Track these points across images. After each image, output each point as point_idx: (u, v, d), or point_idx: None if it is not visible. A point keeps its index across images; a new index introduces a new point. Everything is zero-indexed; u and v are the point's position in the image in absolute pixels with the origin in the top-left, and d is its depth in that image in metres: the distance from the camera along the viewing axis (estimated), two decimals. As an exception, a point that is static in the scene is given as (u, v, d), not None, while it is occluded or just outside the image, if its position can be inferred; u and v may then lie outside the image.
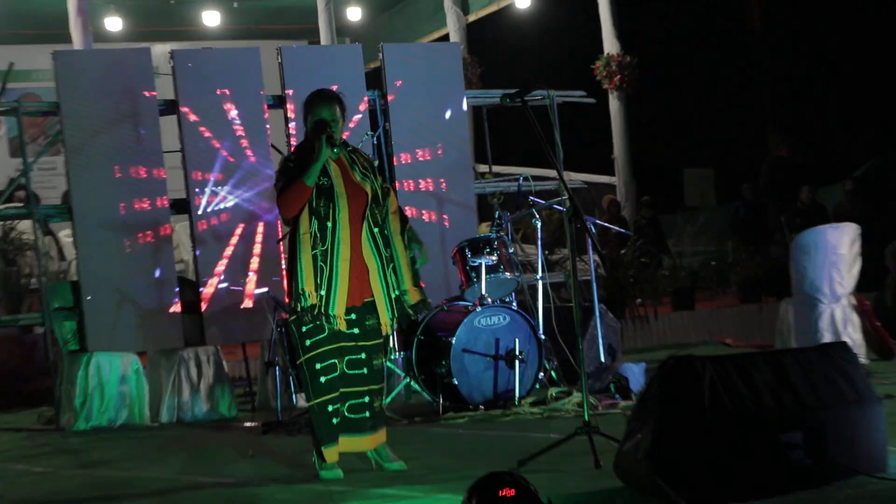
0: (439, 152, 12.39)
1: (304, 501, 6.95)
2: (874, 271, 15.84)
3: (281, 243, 11.67)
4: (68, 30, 17.74)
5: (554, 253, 15.60)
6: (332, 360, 7.57)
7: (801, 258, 12.03)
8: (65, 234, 15.69)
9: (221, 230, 11.57)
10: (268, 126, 11.88)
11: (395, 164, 12.21)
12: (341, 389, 7.60)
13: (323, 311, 7.49)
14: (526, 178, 12.45)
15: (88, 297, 11.11)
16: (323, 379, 7.56)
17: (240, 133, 11.70)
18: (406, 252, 7.80)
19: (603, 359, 11.25)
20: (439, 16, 21.19)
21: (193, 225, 11.57)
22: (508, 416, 9.99)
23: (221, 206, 11.59)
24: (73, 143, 11.23)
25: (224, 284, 11.51)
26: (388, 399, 10.71)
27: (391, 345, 10.53)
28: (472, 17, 21.23)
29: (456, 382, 10.33)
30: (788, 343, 12.00)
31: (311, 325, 7.53)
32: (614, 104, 19.74)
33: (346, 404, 7.62)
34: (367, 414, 7.69)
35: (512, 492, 5.34)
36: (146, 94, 11.48)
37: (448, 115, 12.52)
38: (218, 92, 11.67)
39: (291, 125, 11.82)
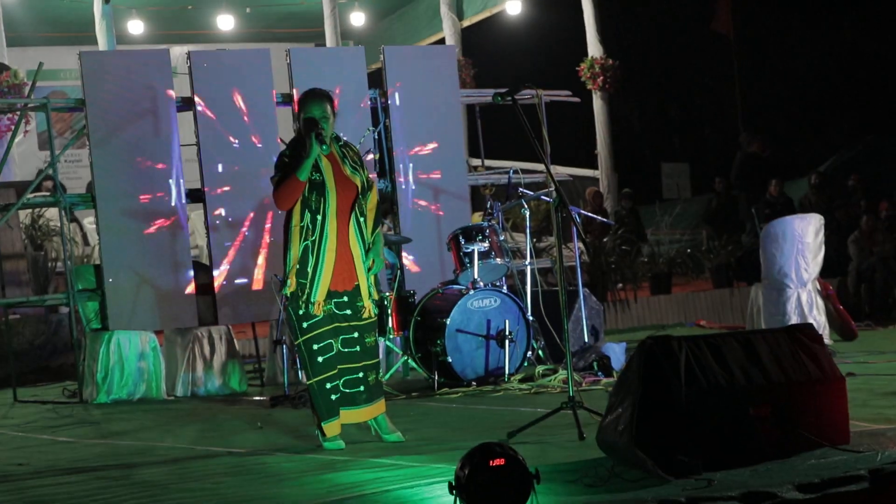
0: (435, 147, 12.34)
1: (308, 470, 6.91)
2: (837, 259, 15.89)
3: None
4: (94, 32, 17.68)
5: (541, 241, 15.56)
6: (329, 341, 7.54)
7: (770, 246, 12.01)
8: (89, 221, 15.64)
9: (233, 218, 11.53)
10: (276, 122, 11.83)
11: (394, 157, 12.16)
12: (339, 367, 7.57)
13: (304, 298, 7.47)
14: (516, 171, 12.40)
15: (110, 280, 11.07)
16: (320, 358, 7.53)
17: (251, 128, 11.64)
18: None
19: (587, 339, 11.24)
20: (436, 21, 21.13)
21: (207, 213, 11.52)
22: (499, 391, 9.97)
23: (233, 195, 11.54)
24: (97, 136, 11.18)
25: (236, 269, 11.46)
26: (387, 376, 10.69)
27: (389, 325, 10.49)
28: (466, 23, 21.17)
29: (450, 360, 10.31)
30: (758, 324, 12.00)
31: (305, 309, 7.51)
32: (597, 103, 19.69)
33: (342, 380, 7.59)
34: (362, 388, 7.66)
35: (502, 461, 5.33)
36: (165, 91, 11.43)
37: (443, 112, 12.46)
38: (231, 90, 11.63)
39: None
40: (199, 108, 11.51)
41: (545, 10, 26.70)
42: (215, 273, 11.42)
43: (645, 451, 5.93)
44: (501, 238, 11.03)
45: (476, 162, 15.75)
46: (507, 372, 10.37)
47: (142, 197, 11.25)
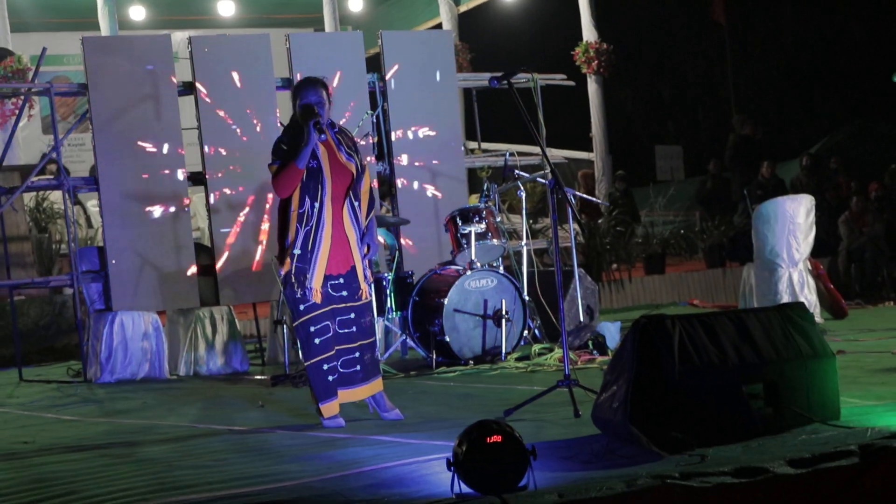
0: (433, 130, 12.32)
1: (309, 447, 6.92)
2: (828, 239, 15.90)
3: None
4: (96, 18, 17.64)
5: (537, 222, 15.56)
6: (325, 323, 7.54)
7: (762, 227, 12.02)
8: (92, 204, 15.62)
9: (234, 200, 11.52)
10: (276, 106, 11.81)
11: (392, 140, 12.15)
12: (336, 348, 7.57)
13: (304, 283, 7.47)
14: (512, 154, 12.40)
15: (113, 261, 11.06)
16: (317, 340, 7.53)
17: (251, 112, 11.62)
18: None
19: (582, 318, 11.25)
20: (433, 6, 21.08)
21: (209, 195, 11.51)
22: (495, 370, 9.98)
23: (234, 178, 11.53)
24: (99, 121, 11.16)
25: (237, 250, 11.46)
26: (386, 355, 10.70)
27: (388, 304, 10.50)
28: (463, 8, 21.13)
29: (448, 340, 10.31)
30: (750, 303, 12.01)
31: (303, 294, 7.51)
32: (592, 87, 19.64)
33: (340, 360, 7.60)
34: (358, 367, 7.66)
35: (499, 438, 5.33)
36: (166, 76, 11.41)
37: (441, 96, 12.45)
38: (231, 74, 11.60)
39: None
40: (200, 92, 11.49)
41: (541, -4, 26.67)
42: (217, 254, 11.41)
43: (639, 428, 5.94)
44: (498, 219, 11.03)
45: (473, 145, 15.72)
46: (503, 351, 10.37)
47: (144, 180, 11.24)
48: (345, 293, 7.61)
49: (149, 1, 19.62)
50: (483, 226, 10.67)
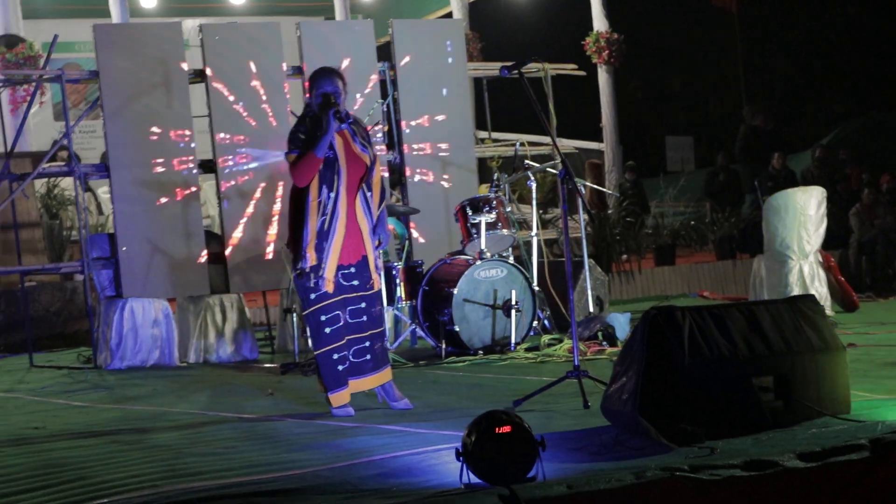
0: (443, 119, 12.32)
1: (318, 435, 6.92)
2: (839, 231, 15.88)
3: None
4: (107, 5, 17.63)
5: (547, 212, 15.55)
6: (336, 312, 7.55)
7: (773, 218, 12.00)
8: (103, 191, 15.64)
9: (244, 188, 11.52)
10: (287, 94, 11.81)
11: (402, 129, 12.14)
12: (346, 337, 7.57)
13: (318, 273, 7.46)
14: (522, 144, 12.40)
15: (124, 248, 11.08)
16: (328, 329, 7.53)
17: (262, 100, 11.62)
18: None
19: (591, 309, 11.24)
20: (444, -6, 21.09)
21: (219, 183, 11.52)
22: (505, 360, 9.98)
23: (244, 166, 11.54)
24: (110, 108, 11.17)
25: (247, 238, 11.47)
26: (396, 344, 10.70)
27: (398, 293, 10.50)
28: (474, -3, 21.13)
29: (457, 329, 10.31)
30: (761, 295, 11.98)
31: (316, 283, 7.51)
32: (603, 77, 19.63)
33: (352, 350, 7.60)
34: (368, 357, 7.68)
35: (508, 429, 5.33)
36: (177, 64, 11.41)
37: (451, 85, 12.44)
38: (242, 63, 11.61)
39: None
40: (210, 80, 11.49)
41: (552, -15, 26.63)
42: (227, 242, 11.42)
43: (649, 420, 5.93)
44: (508, 209, 11.02)
45: (483, 134, 15.73)
46: (513, 341, 10.37)
47: (155, 167, 11.25)
48: (356, 282, 7.61)
49: (160, -12, 19.61)
50: (493, 216, 10.66)
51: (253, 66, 11.62)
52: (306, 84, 11.54)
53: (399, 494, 5.19)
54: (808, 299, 6.72)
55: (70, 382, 10.12)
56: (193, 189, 11.42)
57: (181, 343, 11.20)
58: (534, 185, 11.47)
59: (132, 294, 11.00)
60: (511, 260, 10.88)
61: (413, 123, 12.18)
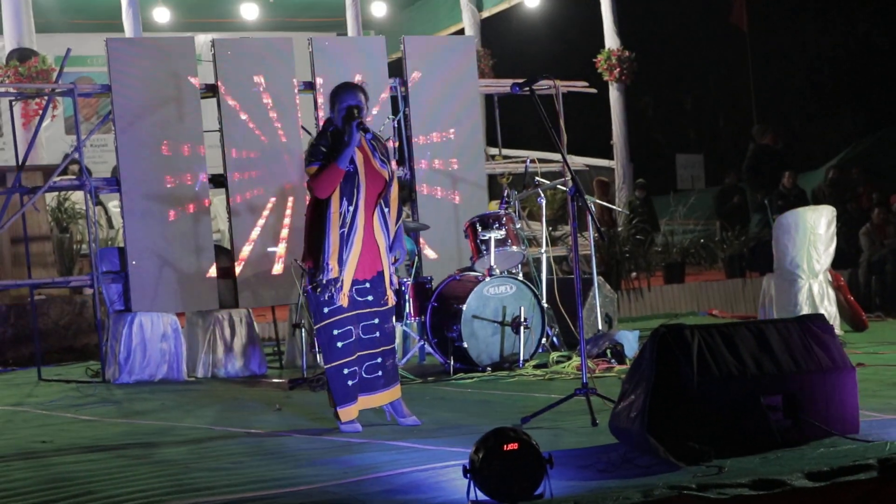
0: (454, 135, 12.32)
1: (325, 451, 6.92)
2: (849, 250, 15.85)
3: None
4: (120, 20, 17.69)
5: (557, 229, 15.54)
6: (349, 327, 7.55)
7: (783, 237, 11.98)
8: (113, 205, 15.66)
9: (255, 203, 11.53)
10: (298, 109, 11.82)
11: (413, 145, 12.15)
12: (359, 353, 7.57)
13: (334, 286, 7.47)
14: (532, 161, 12.39)
15: (133, 262, 11.08)
16: (339, 344, 7.53)
17: (273, 115, 11.64)
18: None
19: (600, 326, 11.23)
20: (456, 11, 21.11)
21: (229, 198, 11.53)
22: (513, 377, 9.97)
23: (255, 181, 11.55)
24: (122, 122, 11.19)
25: (256, 253, 11.47)
26: (404, 360, 10.69)
27: (407, 310, 10.50)
28: (485, 14, 21.14)
29: (466, 346, 10.30)
30: (770, 314, 11.96)
31: (327, 295, 7.51)
32: (614, 94, 19.65)
33: (364, 366, 7.60)
34: (380, 373, 7.68)
35: (515, 446, 5.32)
36: (189, 78, 11.43)
37: (462, 101, 12.45)
38: (254, 78, 11.62)
39: (320, 108, 11.76)
40: (222, 95, 11.51)
41: (563, 2, 26.65)
42: (236, 257, 11.43)
43: (657, 438, 5.92)
44: (518, 226, 11.02)
45: (494, 151, 15.72)
46: (521, 358, 10.36)
47: (165, 181, 11.26)
48: (370, 298, 7.62)
49: (173, 3, 19.66)
50: (503, 232, 10.66)
51: (264, 82, 11.64)
52: (318, 96, 11.67)
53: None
54: (818, 318, 6.71)
55: (78, 396, 10.12)
56: (204, 204, 11.43)
57: (190, 358, 11.20)
58: (544, 202, 11.46)
59: (141, 308, 11.01)
60: (520, 277, 10.87)
61: (424, 139, 12.19)
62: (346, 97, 7.62)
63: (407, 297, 10.49)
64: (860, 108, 33.05)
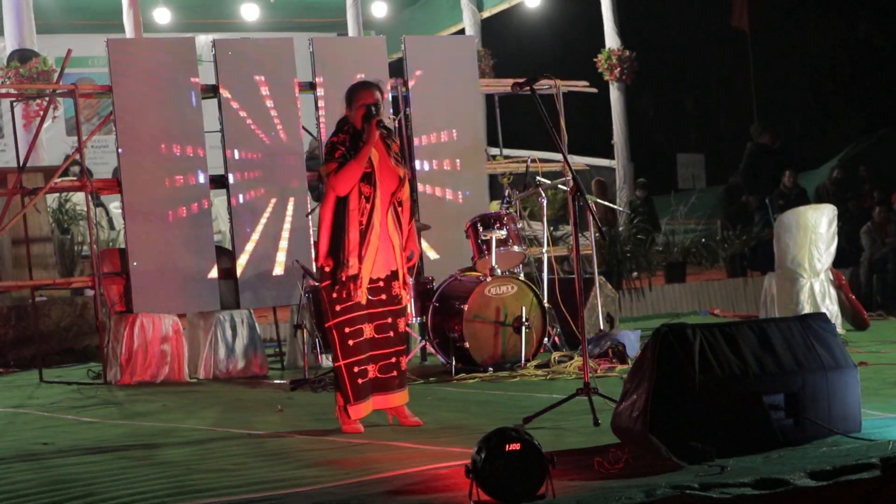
0: (455, 135, 12.32)
1: (327, 452, 6.91)
2: (850, 249, 15.85)
3: (309, 217, 11.63)
4: (121, 20, 17.68)
5: (558, 229, 15.54)
6: (360, 326, 7.54)
7: (784, 236, 11.98)
8: (114, 206, 15.65)
9: (255, 204, 11.53)
10: (299, 110, 11.82)
11: (414, 145, 12.15)
12: (370, 352, 7.56)
13: (356, 282, 7.47)
14: (533, 160, 12.38)
15: (135, 264, 11.08)
16: (351, 342, 7.52)
17: (274, 116, 11.64)
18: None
19: (602, 326, 11.23)
20: (456, 11, 21.12)
21: (230, 199, 11.53)
22: (515, 377, 9.96)
23: (256, 182, 11.54)
24: (123, 123, 11.19)
25: (257, 254, 11.47)
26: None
27: (409, 309, 10.49)
28: (486, 13, 21.15)
29: (467, 346, 10.29)
30: (771, 313, 11.95)
31: (342, 293, 7.49)
32: (614, 94, 19.65)
33: (378, 365, 7.59)
34: (396, 373, 7.68)
35: (517, 446, 5.31)
36: (190, 79, 11.42)
37: (463, 101, 12.44)
38: (255, 78, 11.62)
39: (321, 109, 11.76)
40: (223, 95, 11.51)
41: (564, 2, 26.67)
42: (237, 258, 11.42)
43: (659, 438, 5.91)
44: (519, 226, 11.01)
45: (494, 151, 15.71)
46: (523, 358, 10.35)
47: (167, 182, 11.26)
48: (384, 297, 7.62)
49: (174, 4, 19.67)
50: (504, 232, 10.66)
51: (265, 82, 11.63)
52: (319, 94, 11.67)
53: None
54: (819, 317, 6.71)
55: (79, 398, 10.11)
56: (205, 205, 11.42)
57: (191, 359, 11.19)
58: (545, 202, 11.46)
59: (143, 309, 11.00)
60: (522, 277, 10.86)
61: (425, 139, 12.19)
62: (364, 95, 7.62)
63: (409, 297, 10.48)
64: (860, 109, 33.06)
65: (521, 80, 8.24)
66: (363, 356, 7.56)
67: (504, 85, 13.34)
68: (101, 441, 7.76)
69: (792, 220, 11.98)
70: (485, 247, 10.67)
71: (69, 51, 11.22)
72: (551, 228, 12.60)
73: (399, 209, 7.71)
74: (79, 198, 14.19)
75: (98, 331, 11.30)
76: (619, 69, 19.32)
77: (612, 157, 19.87)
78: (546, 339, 10.71)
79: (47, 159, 15.67)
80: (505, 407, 8.43)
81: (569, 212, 7.94)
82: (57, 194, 14.35)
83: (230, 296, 11.45)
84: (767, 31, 31.54)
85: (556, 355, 10.42)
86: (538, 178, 11.60)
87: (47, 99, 13.38)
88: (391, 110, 12.08)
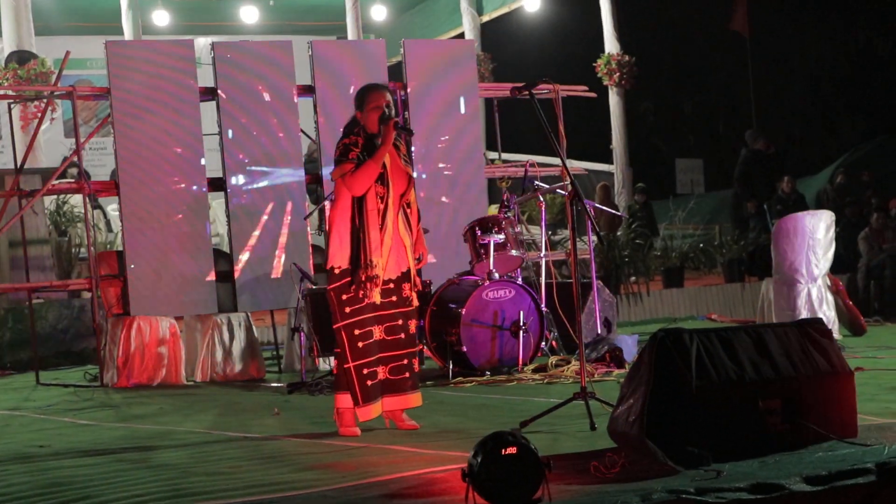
0: (453, 139, 12.33)
1: (324, 455, 6.91)
2: (847, 255, 15.87)
3: (307, 220, 11.64)
4: (120, 22, 17.72)
5: (556, 233, 15.55)
6: (370, 328, 7.53)
7: (782, 242, 11.99)
8: (112, 208, 15.67)
9: (253, 207, 11.54)
10: (297, 113, 11.83)
11: (413, 150, 12.16)
12: (380, 354, 7.56)
13: (374, 282, 7.48)
14: (532, 165, 12.39)
15: (132, 266, 11.09)
16: (361, 344, 7.51)
17: (272, 119, 11.65)
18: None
19: (599, 330, 11.22)
20: (456, 16, 21.14)
21: (228, 201, 11.53)
22: (512, 381, 9.96)
23: (254, 185, 11.56)
24: (121, 125, 11.19)
25: (255, 257, 11.47)
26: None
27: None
28: (485, 18, 21.18)
29: (465, 350, 10.29)
30: (769, 319, 11.97)
31: (352, 294, 7.49)
32: (613, 99, 19.67)
33: (389, 367, 7.60)
34: (408, 375, 7.68)
35: (514, 450, 5.31)
36: (188, 81, 11.43)
37: (462, 105, 12.46)
38: (253, 81, 11.63)
39: (319, 112, 11.78)
40: (221, 98, 11.52)
41: (563, 7, 26.70)
42: (235, 261, 11.43)
43: (655, 442, 5.92)
44: (517, 230, 11.02)
45: (493, 155, 15.73)
46: (520, 362, 10.35)
47: (164, 185, 11.26)
48: (394, 298, 7.62)
49: (172, 6, 19.69)
50: (502, 236, 10.66)
51: (264, 85, 11.65)
52: (318, 97, 11.68)
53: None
54: (816, 323, 6.70)
55: (76, 400, 10.11)
56: (203, 207, 11.43)
57: (188, 361, 11.20)
58: (543, 206, 11.47)
59: (140, 312, 11.01)
60: (519, 281, 10.87)
61: (424, 143, 12.19)
62: (376, 96, 7.63)
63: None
64: (859, 115, 33.09)
65: (520, 85, 8.25)
66: (372, 358, 7.55)
67: (503, 89, 13.37)
68: (98, 444, 7.75)
69: (790, 225, 11.99)
70: (483, 251, 10.67)
71: (67, 52, 11.22)
72: (549, 233, 12.59)
73: (408, 210, 7.73)
74: (76, 200, 14.21)
75: (95, 333, 11.30)
76: (618, 74, 19.34)
77: (611, 162, 19.89)
78: (543, 343, 10.72)
79: (45, 161, 15.69)
80: (502, 411, 8.43)
81: (567, 216, 7.96)
82: (54, 196, 14.35)
83: (228, 299, 11.46)
84: (767, 36, 31.59)
85: (553, 359, 10.42)
86: (537, 182, 11.61)
87: (45, 101, 13.38)
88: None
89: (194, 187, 11.36)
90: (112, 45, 11.49)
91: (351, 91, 11.45)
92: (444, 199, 12.21)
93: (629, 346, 10.58)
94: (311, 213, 11.71)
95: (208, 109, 11.65)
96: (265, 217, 11.55)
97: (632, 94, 20.54)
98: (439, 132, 12.26)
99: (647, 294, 15.45)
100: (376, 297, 7.52)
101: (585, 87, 13.99)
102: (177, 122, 11.35)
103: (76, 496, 5.97)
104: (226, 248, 11.93)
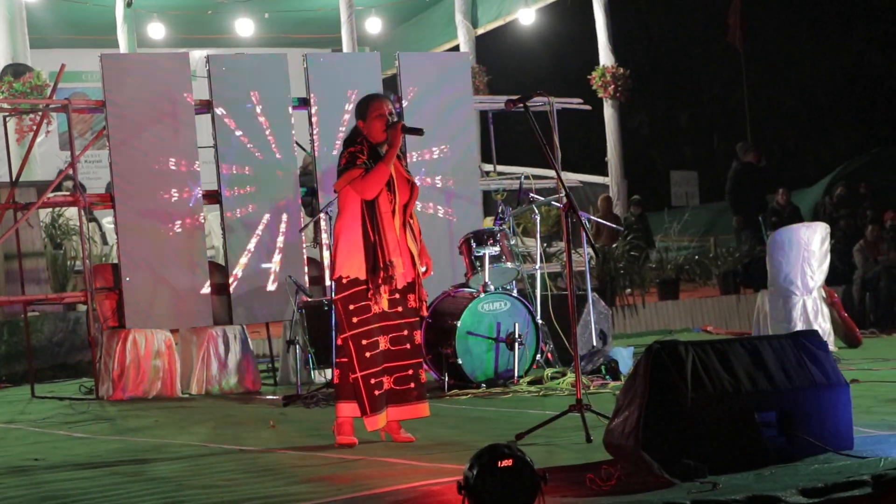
0: (448, 152, 12.33)
1: (320, 468, 6.91)
2: (842, 267, 15.88)
3: (302, 232, 11.63)
4: (115, 35, 17.72)
5: (551, 245, 15.55)
6: (376, 338, 7.53)
7: (777, 254, 12.00)
8: (107, 221, 15.64)
9: (249, 219, 11.53)
10: (293, 126, 11.83)
11: (408, 161, 12.15)
12: (385, 364, 7.56)
13: (391, 286, 7.51)
14: (527, 177, 12.40)
15: (127, 279, 11.07)
16: (368, 354, 7.51)
17: (267, 131, 11.64)
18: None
19: (595, 343, 11.21)
20: (451, 28, 21.16)
21: (223, 214, 11.53)
22: (508, 393, 9.96)
23: (249, 197, 11.55)
24: (116, 138, 11.19)
25: (251, 269, 11.46)
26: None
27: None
28: (480, 30, 21.20)
29: (460, 362, 10.29)
30: (764, 331, 11.97)
31: (359, 304, 7.49)
32: (608, 111, 19.68)
33: (394, 377, 7.60)
34: (413, 385, 7.68)
35: (510, 462, 5.31)
36: (184, 94, 11.43)
37: (457, 118, 12.46)
38: (249, 94, 11.63)
39: (315, 125, 11.78)
40: (216, 111, 11.52)
41: (558, 19, 26.73)
42: (230, 273, 11.42)
43: (651, 455, 5.91)
44: (512, 242, 11.02)
45: (488, 167, 15.74)
46: (516, 374, 10.35)
47: (160, 197, 11.25)
48: (400, 308, 7.63)
49: (168, 19, 19.70)
50: (497, 249, 10.67)
51: (259, 98, 11.65)
52: (313, 110, 11.68)
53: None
54: (812, 335, 6.71)
55: (71, 414, 10.09)
56: (198, 220, 11.43)
57: (183, 374, 11.19)
58: (538, 219, 11.47)
59: (135, 325, 10.99)
60: (515, 293, 10.87)
61: (418, 155, 12.19)
62: (379, 105, 7.70)
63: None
64: (854, 127, 33.15)
65: (515, 97, 8.25)
66: (378, 368, 7.56)
67: (498, 101, 13.39)
68: (93, 457, 7.75)
69: (785, 237, 12.01)
70: (478, 263, 10.67)
71: (63, 65, 11.22)
72: (544, 245, 12.58)
73: (411, 221, 7.74)
74: (72, 213, 14.20)
75: (90, 346, 11.28)
76: (613, 86, 19.36)
77: (606, 174, 19.90)
78: (539, 355, 10.71)
79: (40, 174, 15.70)
80: (497, 423, 8.43)
81: (562, 228, 7.96)
82: (50, 209, 14.35)
83: (223, 311, 11.45)
84: (761, 49, 31.65)
85: (548, 372, 10.42)
86: (532, 194, 11.62)
87: (40, 113, 13.38)
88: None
89: (189, 200, 11.35)
90: (107, 57, 11.49)
91: (346, 104, 11.57)
92: (438, 211, 12.20)
93: (625, 358, 10.58)
94: (306, 226, 11.70)
95: (203, 122, 11.65)
96: (260, 229, 11.54)
97: (627, 106, 20.57)
98: (434, 144, 12.25)
99: (643, 306, 15.45)
100: (384, 304, 7.53)
101: (580, 100, 14.01)
102: (172, 134, 11.35)
103: (71, 509, 5.97)
104: (221, 261, 11.92)
